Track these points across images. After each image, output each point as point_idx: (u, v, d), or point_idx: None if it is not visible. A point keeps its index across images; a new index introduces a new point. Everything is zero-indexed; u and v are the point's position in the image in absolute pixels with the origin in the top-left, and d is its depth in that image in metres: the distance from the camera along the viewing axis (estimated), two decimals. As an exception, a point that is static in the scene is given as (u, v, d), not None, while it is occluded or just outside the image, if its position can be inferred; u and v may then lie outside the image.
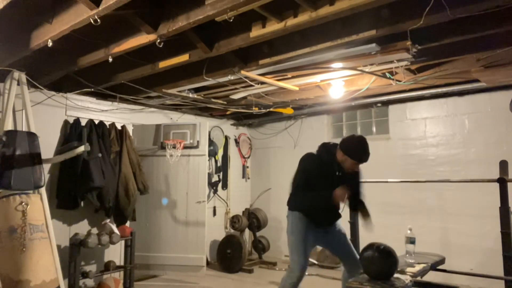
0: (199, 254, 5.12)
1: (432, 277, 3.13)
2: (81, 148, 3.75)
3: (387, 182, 4.29)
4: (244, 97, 4.85)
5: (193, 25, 2.61)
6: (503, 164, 3.42)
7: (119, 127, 4.85)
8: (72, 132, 4.42)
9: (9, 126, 3.66)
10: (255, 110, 5.27)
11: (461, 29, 2.77)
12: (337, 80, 4.20)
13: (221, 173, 6.36)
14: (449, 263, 3.52)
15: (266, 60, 3.41)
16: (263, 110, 5.40)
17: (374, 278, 2.43)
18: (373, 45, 2.99)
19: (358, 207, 3.03)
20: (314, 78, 4.02)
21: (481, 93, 4.47)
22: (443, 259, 3.35)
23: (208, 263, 5.57)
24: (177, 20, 2.64)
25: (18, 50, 3.32)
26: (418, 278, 2.75)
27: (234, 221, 5.71)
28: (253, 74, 3.76)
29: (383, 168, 4.97)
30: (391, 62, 3.38)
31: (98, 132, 4.56)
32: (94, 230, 4.44)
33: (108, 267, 4.44)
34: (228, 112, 5.72)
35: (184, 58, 3.40)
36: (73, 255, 4.08)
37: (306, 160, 3.06)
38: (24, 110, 3.78)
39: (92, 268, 4.49)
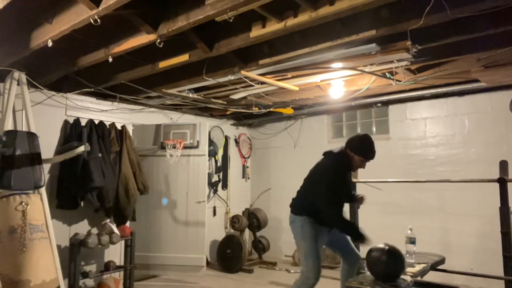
0: (199, 254, 5.12)
1: (432, 277, 3.13)
2: (81, 148, 3.75)
3: (387, 182, 4.29)
4: (244, 97, 4.85)
5: (193, 25, 2.61)
6: (503, 164, 3.42)
7: (119, 127, 4.85)
8: (72, 132, 4.42)
9: (9, 126, 3.66)
10: (255, 110, 5.27)
11: (461, 29, 2.77)
12: (337, 80, 4.20)
13: (221, 173, 6.36)
14: (449, 263, 3.53)
15: (266, 60, 3.41)
16: (263, 110, 5.40)
17: (381, 279, 2.44)
18: (373, 45, 2.99)
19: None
20: (314, 78, 4.02)
21: (481, 93, 4.47)
22: (443, 259, 3.35)
23: (208, 263, 5.57)
24: (177, 20, 2.64)
25: (18, 50, 3.32)
26: (418, 278, 2.75)
27: (234, 221, 5.71)
28: (253, 74, 3.76)
29: (383, 168, 4.95)
30: (391, 62, 3.38)
31: (98, 132, 4.56)
32: (94, 230, 4.44)
33: (108, 267, 4.44)
34: (228, 112, 5.72)
35: (184, 58, 3.40)
36: (73, 255, 4.08)
37: (331, 177, 2.97)
38: (24, 110, 3.78)
39: (92, 268, 4.49)
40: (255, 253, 6.00)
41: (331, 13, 2.44)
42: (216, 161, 6.28)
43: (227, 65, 3.61)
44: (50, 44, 2.91)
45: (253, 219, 5.90)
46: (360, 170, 3.26)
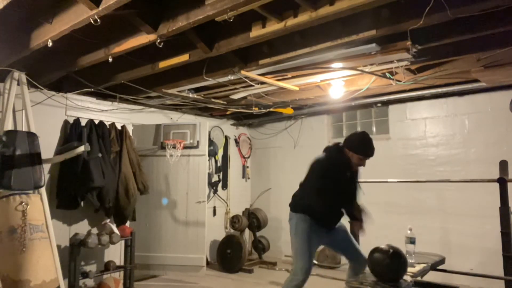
0: (199, 254, 5.12)
1: (432, 277, 3.13)
2: (81, 148, 3.75)
3: (387, 182, 4.29)
4: (244, 97, 4.85)
5: (193, 25, 2.61)
6: (503, 164, 3.42)
7: (119, 127, 4.85)
8: (72, 132, 4.42)
9: (9, 126, 3.66)
10: (255, 110, 5.27)
11: (461, 29, 2.77)
12: (337, 80, 4.20)
13: (221, 173, 6.36)
14: (449, 263, 3.52)
15: (266, 60, 3.41)
16: (263, 110, 5.40)
17: (383, 280, 2.44)
18: (373, 45, 2.99)
19: (355, 215, 3.04)
20: (314, 78, 4.02)
21: (481, 93, 4.47)
22: (443, 259, 3.35)
23: (208, 263, 5.57)
24: (177, 20, 2.64)
25: (18, 50, 3.32)
26: (418, 278, 2.75)
27: (234, 221, 5.71)
28: (253, 74, 3.76)
29: (383, 168, 4.96)
30: (391, 62, 3.38)
31: (98, 132, 4.56)
32: (94, 230, 4.44)
33: (108, 267, 4.44)
34: (228, 112, 5.72)
35: (184, 58, 3.40)
36: (73, 255, 4.08)
37: (324, 165, 2.96)
38: (24, 110, 3.78)
39: (92, 268, 4.49)
40: (255, 253, 6.00)
41: (331, 13, 2.44)
42: (216, 161, 6.28)
43: (227, 65, 3.61)
44: (50, 44, 2.91)
45: (253, 219, 5.90)
46: (360, 169, 3.24)
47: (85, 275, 4.19)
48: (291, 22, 2.64)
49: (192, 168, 5.29)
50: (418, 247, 3.20)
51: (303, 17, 2.57)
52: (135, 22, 2.78)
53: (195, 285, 4.80)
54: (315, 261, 5.51)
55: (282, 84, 4.14)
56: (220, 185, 6.33)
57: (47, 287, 3.30)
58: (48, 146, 4.20)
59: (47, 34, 2.90)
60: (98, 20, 2.52)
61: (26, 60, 3.51)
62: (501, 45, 3.01)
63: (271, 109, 5.39)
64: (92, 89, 4.29)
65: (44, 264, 3.34)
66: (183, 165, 5.28)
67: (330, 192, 2.87)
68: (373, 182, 4.03)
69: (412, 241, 3.11)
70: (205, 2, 2.43)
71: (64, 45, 3.16)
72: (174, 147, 5.04)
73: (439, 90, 4.45)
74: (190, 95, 4.67)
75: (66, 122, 4.52)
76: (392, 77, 3.81)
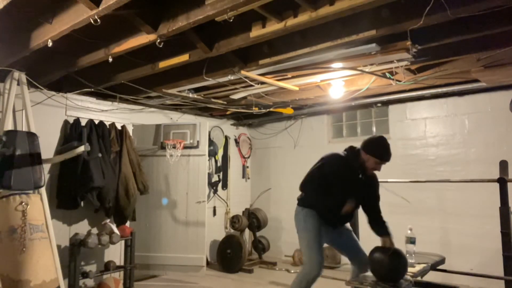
0: (199, 254, 5.12)
1: (432, 277, 3.13)
2: (81, 148, 3.75)
3: (387, 182, 4.28)
4: (244, 97, 4.85)
5: (193, 25, 2.61)
6: (503, 164, 3.42)
7: (119, 127, 4.85)
8: (72, 132, 4.42)
9: (9, 126, 3.66)
10: (255, 110, 5.27)
11: (461, 29, 2.77)
12: (337, 80, 4.20)
13: (221, 173, 6.36)
14: (449, 263, 3.53)
15: (266, 60, 3.41)
16: (263, 110, 5.40)
17: (383, 280, 2.44)
18: (373, 45, 2.99)
19: (380, 231, 2.90)
20: (314, 78, 4.02)
21: (481, 93, 4.47)
22: (443, 259, 3.35)
23: (208, 263, 5.57)
24: (177, 20, 2.64)
25: (18, 50, 3.32)
26: (418, 278, 2.75)
27: (234, 221, 5.71)
28: (253, 74, 3.76)
29: (383, 168, 4.94)
30: (391, 62, 3.38)
31: (98, 132, 4.56)
32: (94, 230, 4.44)
33: (108, 267, 4.44)
34: (228, 112, 5.72)
35: (184, 58, 3.40)
36: (73, 255, 4.08)
37: (332, 160, 2.98)
38: (24, 110, 3.78)
39: (92, 268, 4.49)
40: (255, 253, 6.00)
41: (331, 13, 2.44)
42: (216, 161, 6.28)
43: (227, 65, 3.61)
44: (50, 44, 2.91)
45: (253, 219, 5.90)
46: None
47: (85, 275, 4.19)
48: (291, 22, 2.64)
49: (192, 168, 5.29)
50: (418, 247, 3.20)
51: (303, 17, 2.57)
52: (135, 22, 2.78)
53: (195, 285, 4.80)
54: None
55: (282, 84, 4.14)
56: (220, 185, 6.33)
57: (47, 287, 3.30)
58: (48, 146, 4.20)
59: (47, 34, 2.90)
60: (98, 20, 2.52)
61: (26, 60, 3.50)
62: (501, 45, 3.02)
63: (271, 109, 5.39)
64: (92, 89, 4.29)
65: (44, 264, 3.34)
66: (183, 165, 5.28)
67: (330, 189, 2.88)
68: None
69: (412, 241, 3.12)
70: (205, 2, 2.43)
71: (64, 45, 3.16)
72: (174, 147, 5.04)
73: (439, 90, 4.45)
74: (190, 95, 4.67)
75: (66, 122, 4.52)
76: (392, 77, 3.81)
